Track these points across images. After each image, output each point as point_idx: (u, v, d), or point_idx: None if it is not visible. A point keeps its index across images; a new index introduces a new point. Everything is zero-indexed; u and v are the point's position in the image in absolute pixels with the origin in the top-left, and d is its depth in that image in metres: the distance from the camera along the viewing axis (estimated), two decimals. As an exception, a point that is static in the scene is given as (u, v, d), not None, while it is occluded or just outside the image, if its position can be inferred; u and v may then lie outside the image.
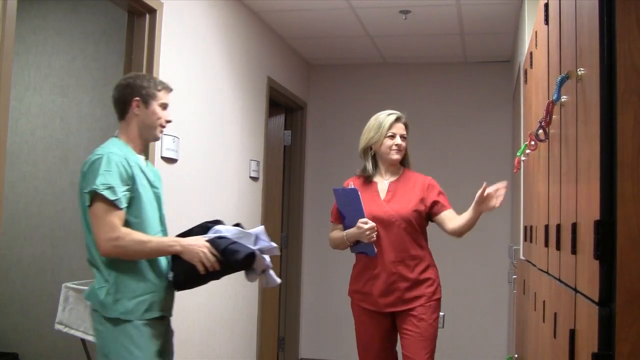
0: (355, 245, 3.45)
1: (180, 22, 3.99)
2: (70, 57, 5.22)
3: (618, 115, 1.33)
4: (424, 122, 6.35)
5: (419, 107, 6.43)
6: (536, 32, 2.95)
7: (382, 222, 3.38)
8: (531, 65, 3.24)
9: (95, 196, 2.58)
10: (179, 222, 3.97)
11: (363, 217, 3.34)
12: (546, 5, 2.36)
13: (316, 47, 6.21)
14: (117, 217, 2.60)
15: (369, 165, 3.55)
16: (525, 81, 3.68)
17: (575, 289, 1.64)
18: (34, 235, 5.17)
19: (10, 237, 5.09)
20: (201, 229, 2.88)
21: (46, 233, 5.15)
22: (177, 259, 2.74)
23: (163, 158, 3.75)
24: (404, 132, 3.53)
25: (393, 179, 3.55)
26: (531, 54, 3.22)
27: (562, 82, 1.80)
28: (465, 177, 5.77)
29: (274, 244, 2.87)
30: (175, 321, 3.93)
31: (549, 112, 2.07)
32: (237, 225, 2.90)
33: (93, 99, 5.16)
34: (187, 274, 2.75)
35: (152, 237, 2.70)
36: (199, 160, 4.25)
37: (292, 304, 6.48)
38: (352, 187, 3.45)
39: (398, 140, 3.49)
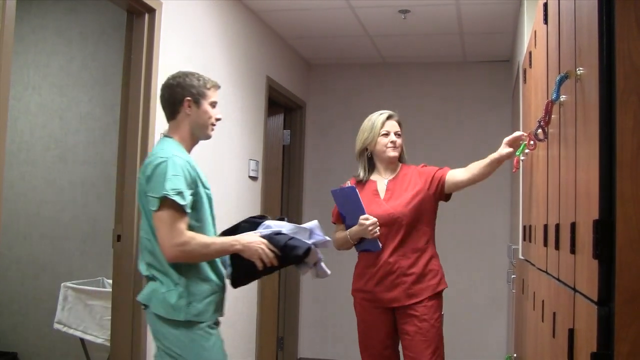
0: (360, 243, 3.46)
1: (180, 21, 3.98)
2: (69, 56, 5.22)
3: (617, 115, 1.33)
4: (423, 121, 6.35)
5: (418, 107, 6.43)
6: (535, 32, 2.95)
7: (384, 221, 3.38)
8: (530, 64, 3.24)
9: (165, 201, 2.58)
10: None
11: (364, 213, 3.34)
12: (545, 5, 2.36)
13: (315, 46, 6.21)
14: (183, 222, 2.62)
15: (364, 168, 3.57)
16: (525, 81, 3.68)
17: (574, 289, 1.64)
18: (33, 235, 5.17)
19: (9, 236, 5.09)
20: (249, 224, 2.91)
21: (45, 232, 5.15)
22: (236, 257, 2.79)
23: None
24: (398, 129, 3.54)
25: (392, 176, 3.56)
26: (530, 53, 3.22)
27: (561, 82, 1.80)
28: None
29: (327, 238, 2.96)
30: (175, 321, 3.93)
31: (548, 112, 2.07)
32: (282, 219, 2.97)
33: (92, 98, 5.16)
34: (246, 271, 2.81)
35: (215, 239, 2.74)
36: (197, 160, 4.23)
37: (291, 304, 6.47)
38: (349, 185, 3.47)
39: (392, 137, 3.51)
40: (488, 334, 6.22)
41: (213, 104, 2.87)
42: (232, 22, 4.79)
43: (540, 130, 2.29)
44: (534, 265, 2.72)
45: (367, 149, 3.56)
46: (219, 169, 4.57)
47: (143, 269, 2.76)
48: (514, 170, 3.30)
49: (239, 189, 4.92)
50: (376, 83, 6.63)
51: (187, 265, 2.68)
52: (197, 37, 4.25)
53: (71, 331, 4.35)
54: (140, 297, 2.77)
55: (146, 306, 2.73)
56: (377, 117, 3.54)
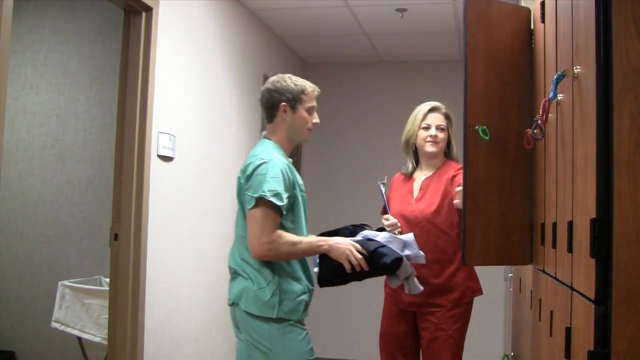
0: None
1: (177, 20, 3.98)
2: (67, 55, 5.21)
3: (614, 113, 1.33)
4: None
5: (415, 106, 6.42)
6: (533, 30, 2.95)
7: (408, 222, 3.22)
8: (528, 63, 3.23)
9: (261, 201, 2.64)
10: (175, 220, 3.97)
11: (387, 212, 3.27)
12: (542, 4, 2.36)
13: (312, 45, 6.21)
14: (275, 222, 2.66)
15: (411, 162, 3.42)
16: (522, 79, 3.67)
17: (571, 287, 1.64)
18: (30, 233, 5.16)
19: (6, 235, 5.09)
20: (348, 231, 2.92)
21: (42, 231, 5.15)
22: (324, 257, 2.80)
23: (159, 156, 3.75)
24: (441, 123, 3.32)
25: (430, 174, 3.36)
26: (528, 52, 3.22)
27: (558, 81, 1.80)
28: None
29: (421, 252, 2.92)
30: (172, 319, 3.93)
31: (545, 111, 2.07)
32: (381, 229, 2.96)
33: (89, 97, 5.15)
34: (332, 271, 2.80)
35: (302, 238, 2.76)
36: (195, 159, 4.25)
37: (289, 302, 6.46)
38: (379, 182, 3.34)
39: (432, 131, 3.30)
40: (485, 333, 6.22)
41: (310, 109, 2.89)
42: (229, 21, 4.78)
43: (537, 129, 2.30)
44: (531, 263, 2.72)
45: (410, 142, 3.39)
46: (216, 167, 4.57)
47: (233, 262, 2.84)
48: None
49: (236, 188, 4.91)
50: (373, 81, 6.62)
51: (279, 264, 2.72)
52: (194, 35, 4.25)
53: (68, 330, 4.34)
54: (231, 297, 2.82)
55: (234, 304, 2.79)
56: (420, 109, 3.38)
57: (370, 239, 2.83)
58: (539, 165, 2.35)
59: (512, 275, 4.22)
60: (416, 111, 3.40)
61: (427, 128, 3.32)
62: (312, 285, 2.86)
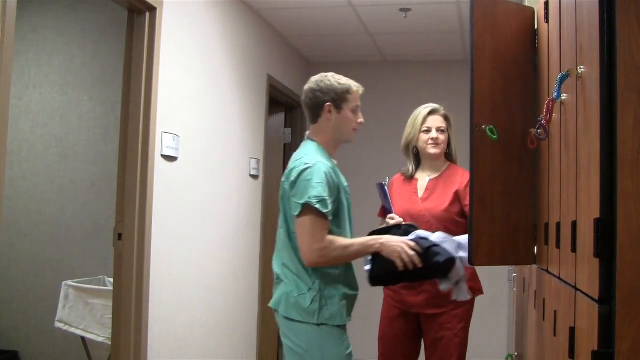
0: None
1: (180, 20, 3.98)
2: (70, 55, 5.22)
3: (618, 113, 1.33)
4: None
5: (418, 106, 6.41)
6: (536, 30, 2.95)
7: (414, 221, 3.19)
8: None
9: (307, 208, 2.60)
10: (179, 220, 3.97)
11: (391, 211, 3.22)
12: (546, 4, 2.36)
13: (316, 45, 6.21)
14: (324, 228, 2.62)
15: (411, 164, 3.44)
16: (526, 79, 3.67)
17: (575, 287, 1.64)
18: (33, 233, 5.17)
19: (10, 235, 5.09)
20: (401, 230, 2.87)
21: (46, 231, 5.16)
22: (376, 256, 2.75)
23: (163, 156, 3.75)
24: (442, 125, 3.38)
25: (435, 175, 3.40)
26: (531, 52, 3.21)
27: (562, 80, 1.80)
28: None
29: None
30: (176, 318, 3.94)
31: (549, 110, 2.07)
32: (412, 226, 2.90)
33: (93, 97, 5.16)
34: (385, 270, 2.75)
35: (353, 241, 2.73)
36: (199, 158, 4.25)
37: (292, 302, 6.46)
38: (379, 181, 3.32)
39: (434, 133, 3.35)
40: (489, 333, 6.22)
41: (355, 109, 2.84)
42: (232, 21, 4.79)
43: (541, 129, 2.29)
44: (535, 263, 2.71)
45: (412, 145, 3.42)
46: (220, 167, 4.57)
47: (276, 267, 2.81)
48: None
49: (239, 188, 4.92)
50: (377, 81, 6.62)
51: (321, 269, 2.68)
52: (198, 35, 4.26)
53: (72, 330, 4.35)
54: (271, 303, 2.81)
55: (276, 310, 2.77)
56: (419, 112, 3.40)
57: (423, 238, 2.77)
58: (542, 165, 2.35)
59: (515, 275, 4.22)
60: (415, 114, 3.42)
61: (428, 131, 3.35)
62: (357, 289, 2.81)
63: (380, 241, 2.71)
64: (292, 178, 2.67)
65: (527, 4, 4.16)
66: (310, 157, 2.71)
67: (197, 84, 4.26)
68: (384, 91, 6.54)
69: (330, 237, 2.63)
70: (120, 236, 3.54)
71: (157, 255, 3.67)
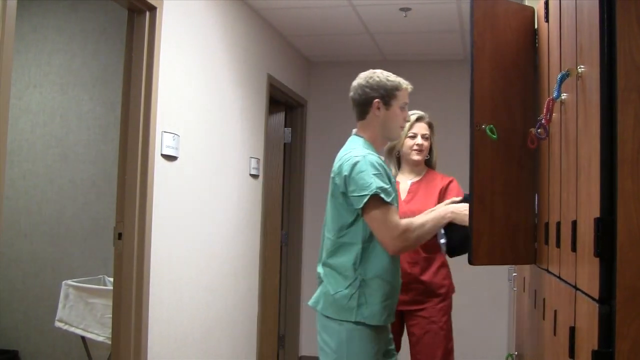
0: None
1: (180, 19, 3.98)
2: (70, 55, 5.22)
3: (618, 113, 1.33)
4: (424, 119, 6.34)
5: (419, 105, 6.41)
6: (536, 30, 2.95)
7: None
8: (531, 62, 3.23)
9: (373, 199, 2.59)
10: (179, 220, 3.97)
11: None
12: (546, 3, 2.36)
13: (316, 44, 6.21)
14: (394, 215, 2.63)
15: (394, 167, 3.55)
16: (526, 79, 3.67)
17: (575, 287, 1.64)
18: (34, 233, 5.18)
19: (10, 234, 5.10)
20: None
21: (46, 231, 5.16)
22: (450, 226, 2.78)
23: (163, 155, 3.75)
24: (426, 132, 3.50)
25: (416, 179, 3.52)
26: (531, 51, 3.21)
27: (562, 80, 1.80)
28: (466, 175, 5.74)
29: None
30: (176, 318, 3.94)
31: (549, 110, 2.07)
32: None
33: (93, 96, 5.16)
34: (460, 237, 2.78)
35: (426, 217, 2.74)
36: (199, 158, 4.25)
37: (292, 302, 6.48)
38: None
39: (419, 140, 3.47)
40: (489, 332, 6.22)
41: (404, 106, 2.87)
42: (233, 20, 4.79)
43: (541, 129, 2.29)
44: (534, 263, 2.71)
45: (395, 149, 3.53)
46: (220, 166, 4.57)
47: (319, 267, 2.82)
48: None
49: (240, 187, 4.92)
50: (377, 81, 6.61)
51: (367, 266, 2.68)
52: (198, 35, 4.25)
53: (72, 329, 4.35)
54: (310, 302, 2.83)
55: (315, 309, 2.78)
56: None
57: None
58: (542, 164, 2.35)
59: (515, 274, 4.22)
60: None
61: (414, 137, 3.48)
62: (399, 284, 2.83)
63: (450, 209, 2.75)
64: (345, 172, 2.66)
65: (527, 3, 4.17)
66: (358, 151, 2.71)
67: (197, 84, 4.26)
68: (384, 91, 6.54)
69: (406, 221, 2.65)
70: (120, 236, 3.54)
71: (157, 255, 3.67)
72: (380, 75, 2.86)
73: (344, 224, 2.70)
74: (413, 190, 3.47)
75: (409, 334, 3.44)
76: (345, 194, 2.67)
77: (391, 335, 2.92)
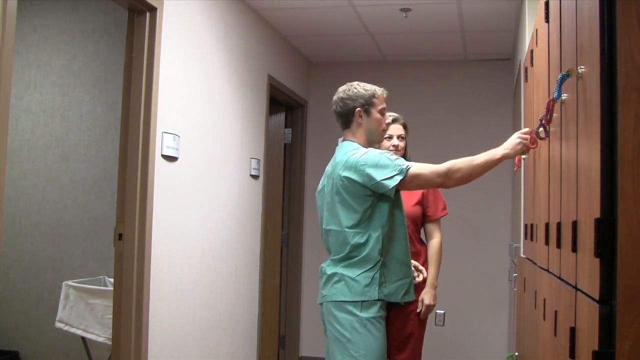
0: None
1: (181, 20, 3.98)
2: (71, 55, 5.22)
3: (619, 113, 1.33)
4: (424, 120, 6.34)
5: (419, 105, 6.42)
6: (537, 30, 2.95)
7: None
8: (532, 63, 3.23)
9: (405, 171, 2.84)
10: (179, 220, 3.97)
11: None
12: (547, 3, 2.36)
13: (317, 44, 6.21)
14: (427, 167, 2.87)
15: None
16: (526, 79, 3.67)
17: (575, 287, 1.64)
18: (34, 233, 5.18)
19: (10, 235, 5.10)
20: None
21: (46, 231, 5.16)
22: None
23: (163, 156, 3.75)
24: (402, 133, 3.67)
25: None
26: (532, 51, 3.22)
27: (562, 80, 1.80)
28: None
29: None
30: (176, 319, 3.94)
31: (549, 110, 2.07)
32: None
33: (93, 97, 5.16)
34: None
35: (475, 156, 2.85)
36: (199, 159, 4.25)
37: (293, 302, 6.48)
38: None
39: (395, 141, 3.63)
40: (489, 333, 6.22)
41: (382, 111, 3.12)
42: (233, 21, 4.79)
43: (541, 129, 2.29)
44: (535, 263, 2.71)
45: None
46: (220, 167, 4.57)
47: (328, 267, 3.02)
48: (515, 169, 3.30)
49: (240, 188, 4.92)
50: (377, 81, 6.52)
51: (385, 249, 2.93)
52: (198, 35, 4.25)
53: (72, 330, 4.35)
54: (319, 299, 3.04)
55: (323, 302, 3.00)
56: None
57: None
58: (543, 164, 2.35)
59: (516, 275, 4.22)
60: None
61: (390, 138, 3.65)
62: (410, 269, 3.08)
63: (503, 147, 2.83)
64: (359, 165, 2.89)
65: (527, 4, 4.17)
66: (361, 149, 2.98)
67: (197, 84, 4.26)
68: (384, 91, 6.54)
69: (446, 163, 2.83)
70: (120, 236, 3.54)
71: (157, 255, 3.67)
72: (357, 86, 3.13)
73: (359, 215, 2.92)
74: None
75: (389, 324, 3.49)
76: (365, 186, 2.88)
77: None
